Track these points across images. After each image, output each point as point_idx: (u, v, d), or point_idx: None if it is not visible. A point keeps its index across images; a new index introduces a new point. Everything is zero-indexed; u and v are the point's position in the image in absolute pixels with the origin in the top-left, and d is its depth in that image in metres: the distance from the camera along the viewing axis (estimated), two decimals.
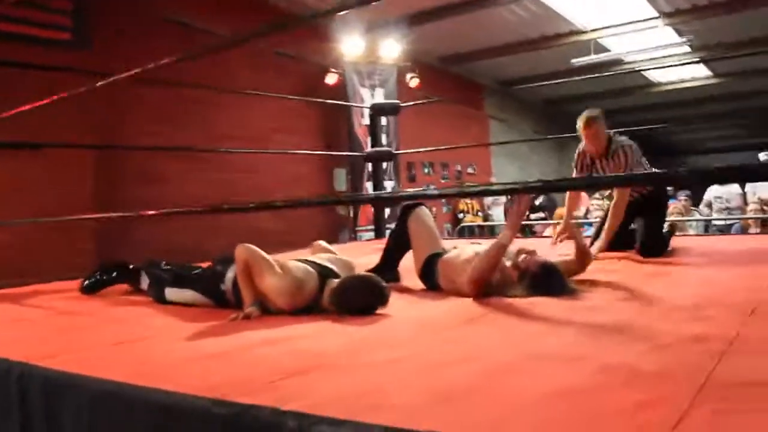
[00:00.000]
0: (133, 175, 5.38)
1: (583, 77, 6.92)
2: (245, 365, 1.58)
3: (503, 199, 9.17)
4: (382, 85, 7.56)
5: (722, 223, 7.53)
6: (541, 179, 1.49)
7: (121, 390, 1.31)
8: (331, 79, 7.12)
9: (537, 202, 8.59)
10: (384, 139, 6.80)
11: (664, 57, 9.59)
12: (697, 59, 9.16)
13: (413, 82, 7.72)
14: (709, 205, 7.92)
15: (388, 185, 6.96)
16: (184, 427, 1.18)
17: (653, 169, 3.53)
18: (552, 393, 1.22)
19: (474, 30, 8.23)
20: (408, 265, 2.93)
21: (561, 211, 7.44)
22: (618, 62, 9.67)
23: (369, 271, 2.81)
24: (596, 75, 8.15)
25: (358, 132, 7.24)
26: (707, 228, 7.66)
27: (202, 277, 2.56)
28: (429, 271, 2.72)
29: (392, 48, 7.51)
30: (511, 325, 2.01)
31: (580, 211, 7.70)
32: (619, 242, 3.66)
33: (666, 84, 11.88)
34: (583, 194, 7.48)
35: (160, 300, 2.61)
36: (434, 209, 8.82)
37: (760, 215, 7.04)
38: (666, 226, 3.94)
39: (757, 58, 9.02)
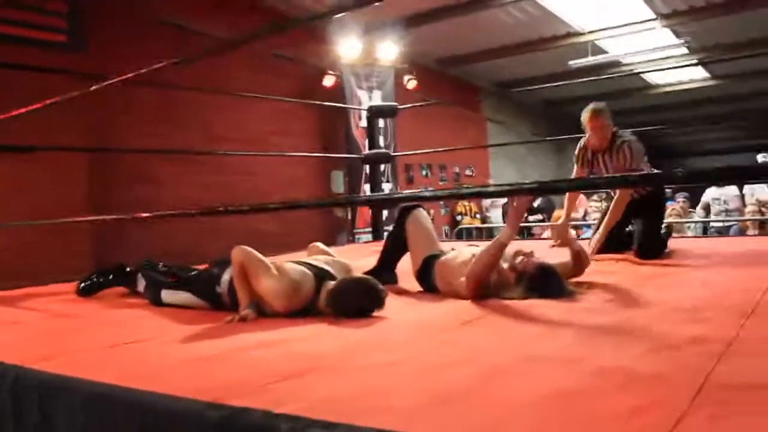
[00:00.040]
0: (128, 177, 5.37)
1: (580, 79, 6.92)
2: (240, 368, 1.57)
3: (501, 201, 9.17)
4: (380, 87, 7.56)
5: (720, 224, 7.53)
6: (537, 180, 1.48)
7: (114, 393, 1.30)
8: (328, 81, 7.12)
9: (535, 204, 8.59)
10: (381, 142, 6.79)
11: (661, 59, 9.60)
12: (695, 61, 9.17)
13: (411, 84, 7.73)
14: (706, 208, 7.91)
15: (386, 187, 6.96)
16: (177, 430, 1.17)
17: (653, 170, 3.53)
18: (548, 396, 1.21)
19: (471, 32, 8.24)
20: (406, 267, 2.92)
21: (559, 213, 7.43)
22: (616, 64, 9.68)
23: (366, 273, 2.80)
24: (594, 77, 8.16)
25: (355, 134, 7.24)
26: (705, 230, 7.65)
27: (198, 279, 2.55)
28: (426, 272, 2.71)
29: (389, 50, 7.51)
30: (508, 327, 2.00)
31: (579, 213, 7.70)
32: (617, 243, 3.66)
33: (664, 86, 11.90)
34: (582, 196, 7.48)
35: (156, 302, 2.59)
36: (432, 211, 8.84)
37: (759, 217, 7.04)
38: (663, 227, 3.94)
39: (756, 60, 9.05)
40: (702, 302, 2.16)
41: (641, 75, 10.77)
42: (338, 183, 7.61)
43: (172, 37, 5.51)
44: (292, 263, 2.35)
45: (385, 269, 2.99)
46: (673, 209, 7.39)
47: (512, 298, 2.34)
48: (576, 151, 3.88)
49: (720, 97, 12.73)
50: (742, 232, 7.15)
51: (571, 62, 8.91)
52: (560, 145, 14.04)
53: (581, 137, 3.89)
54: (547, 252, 2.64)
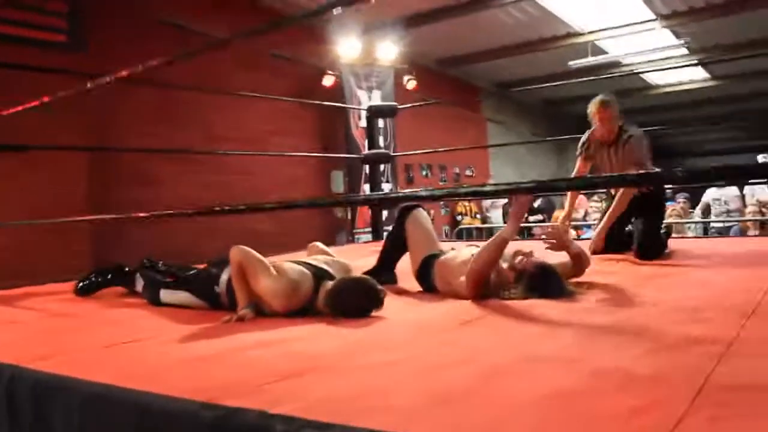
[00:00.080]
0: (128, 177, 5.36)
1: (580, 79, 6.91)
2: (238, 367, 1.56)
3: (502, 201, 9.16)
4: (380, 87, 7.56)
5: (721, 225, 7.53)
6: (534, 179, 1.47)
7: (110, 393, 1.29)
8: (328, 81, 7.11)
9: (535, 205, 8.58)
10: (381, 142, 6.78)
11: (661, 59, 9.59)
12: (695, 61, 9.16)
13: (410, 84, 7.72)
14: (705, 210, 7.90)
15: (386, 188, 6.95)
16: (172, 430, 1.16)
17: (655, 169, 3.52)
18: (547, 396, 1.20)
19: (471, 32, 8.23)
20: (405, 267, 2.91)
21: (559, 213, 7.42)
22: (616, 64, 9.67)
23: (366, 273, 2.79)
24: (594, 77, 8.16)
25: (355, 134, 7.23)
26: (706, 230, 7.65)
27: (197, 279, 2.55)
28: (425, 272, 2.71)
29: (389, 50, 7.50)
30: (508, 327, 1.99)
31: (579, 214, 7.70)
32: (617, 243, 3.65)
33: (664, 86, 11.90)
34: (582, 196, 7.47)
35: (155, 302, 2.59)
36: (432, 212, 8.83)
37: (759, 217, 7.03)
38: (663, 227, 3.93)
39: (756, 60, 9.04)
40: (702, 303, 2.15)
41: (641, 75, 10.77)
42: (338, 183, 7.60)
43: (172, 37, 5.50)
44: (290, 263, 2.34)
45: (385, 269, 2.99)
46: (673, 210, 7.38)
47: (512, 298, 2.33)
48: (579, 145, 3.85)
49: (720, 97, 12.72)
50: (742, 233, 7.14)
51: (571, 62, 8.91)
52: (560, 146, 14.04)
53: (582, 136, 3.88)
54: (547, 252, 2.63)
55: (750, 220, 7.17)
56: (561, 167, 13.88)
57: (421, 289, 2.74)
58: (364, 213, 7.03)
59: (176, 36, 5.54)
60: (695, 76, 11.33)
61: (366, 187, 7.03)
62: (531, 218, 8.47)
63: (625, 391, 1.22)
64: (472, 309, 2.24)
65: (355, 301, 2.14)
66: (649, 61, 9.78)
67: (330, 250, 2.92)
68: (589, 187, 3.67)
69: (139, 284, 2.72)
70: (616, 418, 1.08)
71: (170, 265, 2.89)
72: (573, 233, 7.14)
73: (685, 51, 9.20)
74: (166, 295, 2.56)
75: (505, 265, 2.44)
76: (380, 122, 6.78)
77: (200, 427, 1.11)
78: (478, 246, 2.65)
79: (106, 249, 4.77)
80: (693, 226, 7.56)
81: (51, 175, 4.51)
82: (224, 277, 2.38)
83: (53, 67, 3.80)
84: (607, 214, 3.64)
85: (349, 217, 7.30)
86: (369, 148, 6.06)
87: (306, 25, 7.07)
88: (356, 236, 7.10)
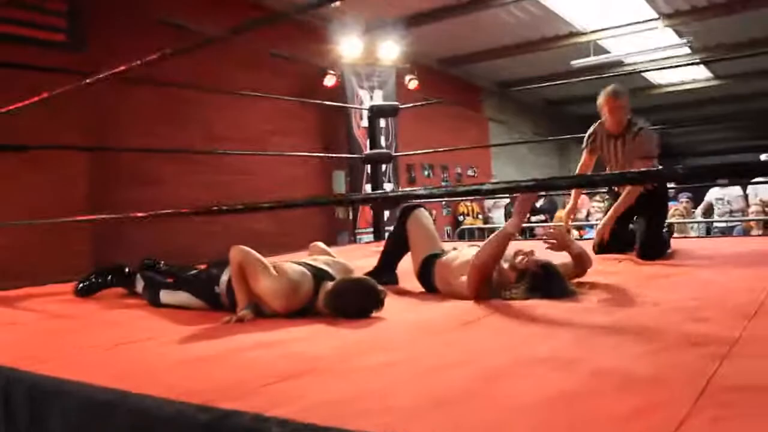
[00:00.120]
0: (128, 177, 5.36)
1: (582, 79, 6.89)
2: (237, 368, 1.55)
3: (504, 201, 9.15)
4: (381, 86, 7.55)
5: (724, 225, 7.50)
6: (534, 178, 1.45)
7: (105, 396, 1.28)
8: (329, 80, 7.10)
9: (538, 205, 8.56)
10: (383, 141, 6.77)
11: (664, 59, 9.57)
12: (697, 60, 9.14)
13: (412, 84, 7.71)
14: (706, 211, 7.89)
15: (388, 188, 6.94)
16: None
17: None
18: (548, 398, 1.19)
19: (473, 32, 8.22)
20: (407, 267, 2.90)
21: (561, 213, 7.40)
22: (618, 64, 9.66)
23: (367, 273, 2.78)
24: (596, 76, 8.14)
25: (357, 134, 7.22)
26: (709, 230, 7.63)
27: (197, 279, 2.54)
28: (426, 272, 2.70)
29: (391, 50, 7.50)
30: (508, 328, 1.98)
31: (581, 214, 7.68)
32: (619, 242, 3.63)
33: (666, 86, 11.87)
34: (584, 196, 7.45)
35: (155, 303, 2.58)
36: (434, 212, 8.82)
37: (762, 217, 7.01)
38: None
39: (758, 60, 9.01)
40: (704, 303, 2.13)
41: (643, 75, 10.74)
42: (339, 183, 7.59)
43: (172, 37, 5.50)
44: (290, 263, 2.33)
45: (386, 269, 2.98)
46: (676, 209, 7.37)
47: (513, 299, 2.32)
48: (586, 137, 3.81)
49: (723, 97, 12.69)
50: (745, 233, 7.12)
51: (573, 62, 8.89)
52: (562, 145, 14.03)
53: (584, 136, 3.86)
54: (548, 252, 2.61)
55: (753, 220, 7.14)
56: (563, 167, 13.87)
57: (422, 290, 2.73)
58: (366, 213, 7.03)
59: (176, 36, 5.53)
60: (698, 75, 11.31)
61: (368, 187, 7.02)
62: (533, 218, 8.46)
63: (626, 393, 1.20)
64: (472, 309, 2.23)
65: (355, 301, 2.13)
66: (652, 61, 9.76)
67: (331, 250, 2.91)
68: (589, 185, 3.66)
69: (139, 285, 2.72)
70: (617, 419, 1.07)
71: (171, 265, 2.89)
72: (575, 233, 7.13)
73: (687, 50, 9.18)
74: (166, 295, 2.56)
75: (506, 265, 2.43)
76: (382, 122, 6.77)
77: (195, 430, 1.10)
78: (479, 246, 2.64)
79: (106, 249, 4.76)
80: (695, 225, 7.54)
81: (51, 176, 4.51)
82: (224, 277, 2.37)
83: (53, 66, 3.79)
84: (614, 206, 3.59)
85: (351, 217, 7.30)
86: (370, 148, 6.05)
87: (307, 25, 7.07)
88: (358, 236, 7.10)
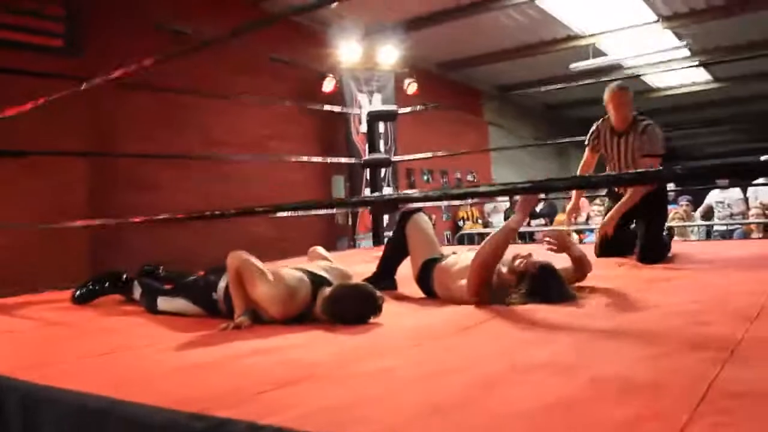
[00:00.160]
0: (127, 182, 5.35)
1: (581, 82, 6.89)
2: (234, 376, 1.54)
3: (504, 205, 9.15)
4: (380, 91, 7.55)
5: (724, 228, 7.49)
6: (530, 180, 1.44)
7: (98, 404, 1.27)
8: (328, 85, 7.10)
9: (537, 209, 8.56)
10: (382, 146, 6.77)
11: (663, 62, 9.57)
12: (696, 63, 9.14)
13: (411, 88, 7.71)
14: (705, 213, 7.87)
15: (387, 192, 6.93)
16: None
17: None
18: (544, 405, 1.17)
19: (472, 35, 8.23)
20: (406, 273, 2.88)
21: (561, 217, 7.40)
22: (617, 67, 9.66)
23: (366, 279, 2.77)
24: (595, 80, 8.14)
25: (356, 138, 7.22)
26: (709, 233, 7.61)
27: (195, 286, 2.52)
28: (425, 276, 2.68)
29: (390, 54, 7.50)
30: (507, 333, 1.96)
31: (582, 218, 7.67)
32: (619, 243, 3.61)
33: (666, 89, 11.87)
34: (584, 199, 7.45)
35: (152, 310, 2.57)
36: (434, 217, 8.82)
37: (763, 220, 7.00)
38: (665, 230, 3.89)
39: (757, 62, 9.01)
40: (705, 306, 2.12)
41: (643, 78, 10.75)
42: (339, 188, 7.59)
43: (170, 42, 5.50)
44: (288, 269, 2.32)
45: (385, 275, 2.97)
46: (676, 213, 7.36)
47: (512, 304, 2.30)
48: (588, 135, 3.78)
49: (722, 99, 12.69)
50: (746, 236, 7.10)
51: (572, 65, 8.89)
52: (562, 149, 14.02)
53: (584, 139, 3.85)
54: (547, 256, 2.59)
55: (753, 223, 7.13)
56: (563, 171, 13.86)
57: (421, 295, 2.72)
58: (365, 218, 7.02)
59: (174, 41, 5.54)
60: (697, 78, 11.31)
61: (367, 192, 7.01)
62: (533, 222, 8.45)
63: (626, 398, 1.19)
64: (471, 315, 2.22)
65: (352, 307, 2.12)
66: (651, 64, 9.76)
67: (331, 255, 2.90)
68: (586, 186, 3.63)
69: (137, 292, 2.70)
70: (616, 426, 1.05)
71: (170, 271, 2.88)
72: (575, 237, 7.12)
73: (686, 53, 9.18)
74: (163, 302, 2.54)
75: (504, 269, 2.41)
76: (381, 126, 6.77)
77: None
78: None
79: (105, 255, 4.76)
80: (696, 229, 7.53)
81: (50, 181, 4.50)
82: (222, 284, 2.36)
83: (50, 71, 3.79)
84: (619, 204, 3.55)
85: (350, 222, 7.29)
86: (369, 153, 6.04)
87: (306, 29, 7.08)
88: (357, 242, 7.08)
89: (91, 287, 2.87)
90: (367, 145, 6.26)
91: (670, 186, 5.61)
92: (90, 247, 4.80)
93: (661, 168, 2.72)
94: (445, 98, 9.40)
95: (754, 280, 2.71)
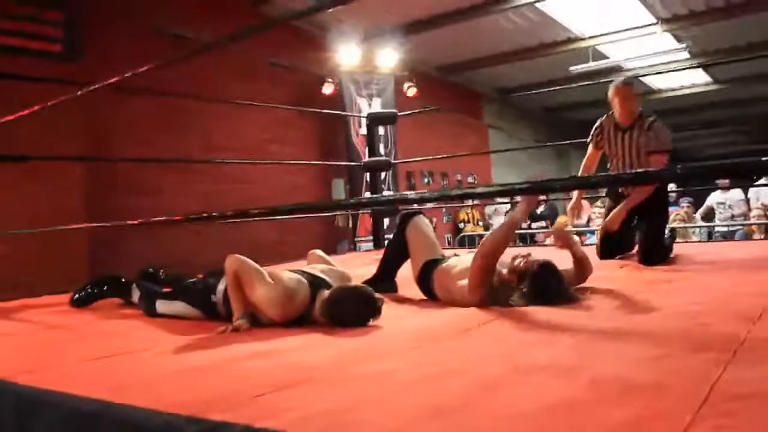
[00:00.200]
0: (127, 186, 5.35)
1: (581, 84, 6.90)
2: (232, 379, 1.53)
3: (504, 208, 9.13)
4: (380, 94, 7.55)
5: (725, 229, 7.47)
6: (528, 181, 1.43)
7: (93, 408, 1.25)
8: (327, 89, 7.10)
9: (538, 211, 8.55)
10: (382, 149, 6.77)
11: (662, 63, 9.58)
12: (696, 65, 9.14)
13: (411, 91, 7.71)
14: (706, 215, 7.85)
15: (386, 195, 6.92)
16: None
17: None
18: (544, 408, 1.16)
19: (471, 38, 8.23)
20: (406, 275, 2.87)
21: (563, 220, 7.36)
22: (617, 69, 9.65)
23: (366, 281, 2.76)
24: (595, 82, 8.14)
25: (356, 142, 7.22)
26: (710, 235, 7.60)
27: (194, 289, 2.51)
28: (426, 277, 2.67)
29: (389, 57, 7.50)
30: (508, 335, 1.95)
31: (582, 220, 7.65)
32: (619, 242, 3.60)
33: (666, 91, 11.88)
34: (584, 201, 7.43)
35: (151, 313, 2.55)
36: (434, 219, 8.81)
37: (764, 221, 6.98)
38: (667, 231, 3.87)
39: (756, 64, 9.00)
40: (707, 308, 2.11)
41: (643, 80, 10.75)
42: (339, 191, 7.58)
43: (169, 46, 5.49)
44: (287, 272, 2.31)
45: (385, 277, 2.96)
46: (677, 215, 7.34)
47: (515, 304, 2.29)
48: (592, 131, 3.74)
49: (722, 101, 12.69)
50: (747, 237, 7.09)
51: (572, 68, 8.89)
52: (562, 151, 14.02)
53: (584, 141, 3.83)
54: (548, 256, 2.58)
55: (755, 224, 7.11)
56: (563, 172, 13.84)
57: (421, 297, 2.71)
58: (366, 221, 7.01)
59: (173, 45, 5.53)
60: (697, 80, 11.31)
61: (367, 195, 7.01)
62: (534, 225, 8.44)
63: (627, 400, 1.18)
64: (471, 317, 2.20)
65: (351, 310, 2.11)
66: (651, 66, 9.76)
67: (331, 258, 2.88)
68: (585, 186, 3.61)
69: (135, 295, 2.69)
70: (617, 428, 1.04)
71: (171, 274, 2.86)
72: (576, 238, 7.10)
73: (686, 55, 9.19)
74: (162, 305, 2.53)
75: (505, 271, 2.40)
76: (381, 130, 6.77)
77: None
78: None
79: (105, 259, 4.75)
80: (697, 230, 7.51)
81: (50, 186, 4.50)
82: (221, 286, 2.35)
83: (49, 76, 3.78)
84: (627, 200, 3.50)
85: (351, 225, 7.28)
86: (369, 156, 6.04)
87: (305, 33, 7.08)
88: (358, 244, 7.08)
89: (89, 290, 2.86)
90: (367, 148, 6.26)
91: (671, 187, 5.59)
92: (90, 252, 4.79)
93: (661, 169, 2.70)
94: (445, 101, 9.40)
95: (756, 281, 2.69)
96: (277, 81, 6.76)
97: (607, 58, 8.94)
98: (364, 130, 6.62)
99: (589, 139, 3.78)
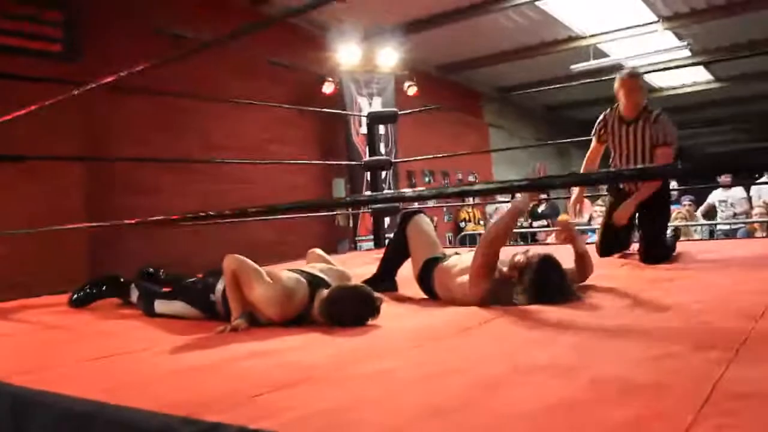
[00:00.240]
0: (125, 186, 5.34)
1: (582, 82, 6.88)
2: (230, 378, 1.52)
3: (505, 207, 9.10)
4: (380, 93, 7.54)
5: (727, 227, 7.46)
6: (527, 178, 1.42)
7: (88, 408, 1.25)
8: (327, 88, 7.09)
9: (539, 210, 8.53)
10: (382, 148, 6.76)
11: (663, 62, 9.55)
12: (697, 62, 9.12)
13: (411, 90, 7.70)
14: (707, 213, 7.83)
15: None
16: None
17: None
18: (544, 407, 1.15)
19: (472, 37, 8.21)
20: (407, 274, 2.86)
21: (564, 218, 7.34)
22: (618, 67, 9.61)
23: (366, 281, 2.75)
24: (596, 80, 8.13)
25: (356, 141, 7.21)
26: (712, 233, 7.58)
27: (193, 288, 2.50)
28: (426, 276, 2.66)
29: (390, 56, 7.49)
30: (508, 334, 1.94)
31: (584, 218, 7.63)
32: (619, 239, 3.58)
33: (667, 89, 11.85)
34: (585, 200, 7.41)
35: (150, 313, 2.54)
36: (435, 218, 8.80)
37: (766, 219, 6.97)
38: (671, 230, 3.85)
39: (758, 62, 8.98)
40: (708, 306, 2.10)
41: (644, 78, 10.72)
42: (339, 190, 7.57)
43: (169, 46, 5.48)
44: (286, 271, 2.30)
45: (385, 276, 2.95)
46: (678, 213, 7.32)
47: (517, 302, 2.28)
48: (595, 125, 3.69)
49: (723, 99, 12.67)
50: (749, 235, 7.07)
51: (572, 66, 8.87)
52: (563, 150, 14.00)
53: (585, 139, 3.81)
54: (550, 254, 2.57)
55: (757, 222, 7.09)
56: (564, 171, 13.83)
57: (421, 296, 2.70)
58: (366, 221, 7.00)
59: (173, 45, 5.52)
60: (698, 78, 11.29)
61: (368, 194, 6.99)
62: (535, 224, 8.42)
63: (628, 400, 1.16)
64: (471, 316, 2.19)
65: (350, 309, 2.10)
66: (652, 64, 9.74)
67: (332, 258, 2.87)
68: (585, 183, 3.59)
69: (134, 295, 2.68)
70: (618, 428, 1.03)
71: (170, 274, 2.86)
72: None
73: (687, 53, 9.16)
74: (160, 305, 2.52)
75: (505, 269, 2.39)
76: (381, 129, 6.76)
77: None
78: None
79: (103, 259, 4.74)
80: (699, 228, 7.49)
81: (48, 186, 4.49)
82: (220, 286, 2.34)
83: (48, 76, 3.77)
84: (637, 194, 3.45)
85: (351, 224, 7.27)
86: (370, 155, 6.03)
87: (305, 32, 7.07)
88: (358, 244, 7.07)
89: (88, 290, 2.86)
90: (367, 148, 6.25)
91: (672, 185, 5.58)
92: (87, 251, 4.78)
93: (661, 165, 2.68)
94: (445, 100, 9.39)
95: (757, 279, 2.68)
96: (276, 80, 6.75)
97: (608, 56, 8.92)
98: (364, 130, 6.61)
99: (592, 133, 3.73)
